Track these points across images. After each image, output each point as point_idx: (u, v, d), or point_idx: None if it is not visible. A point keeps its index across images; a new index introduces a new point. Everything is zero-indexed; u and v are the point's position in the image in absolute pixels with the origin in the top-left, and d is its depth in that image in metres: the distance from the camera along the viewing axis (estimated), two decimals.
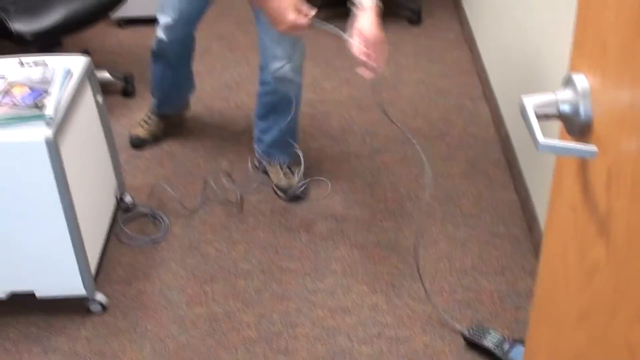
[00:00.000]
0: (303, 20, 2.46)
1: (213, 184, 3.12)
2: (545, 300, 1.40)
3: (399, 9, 4.43)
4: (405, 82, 3.76)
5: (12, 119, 2.27)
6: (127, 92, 3.79)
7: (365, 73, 2.41)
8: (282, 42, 2.80)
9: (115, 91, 3.73)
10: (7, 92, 2.37)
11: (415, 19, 4.35)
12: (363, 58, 2.40)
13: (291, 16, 2.44)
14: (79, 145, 2.49)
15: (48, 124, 2.26)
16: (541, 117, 1.20)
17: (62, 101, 2.36)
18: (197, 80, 3.83)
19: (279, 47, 2.82)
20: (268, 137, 3.10)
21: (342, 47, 4.00)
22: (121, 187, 2.93)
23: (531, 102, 1.24)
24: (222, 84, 3.86)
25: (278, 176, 3.11)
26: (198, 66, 3.98)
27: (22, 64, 2.56)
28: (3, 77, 2.46)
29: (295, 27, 2.47)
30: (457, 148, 3.26)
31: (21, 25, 3.23)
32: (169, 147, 3.38)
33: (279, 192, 3.08)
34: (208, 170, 3.21)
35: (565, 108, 1.18)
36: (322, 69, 3.92)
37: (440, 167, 3.14)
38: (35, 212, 2.35)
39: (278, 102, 2.99)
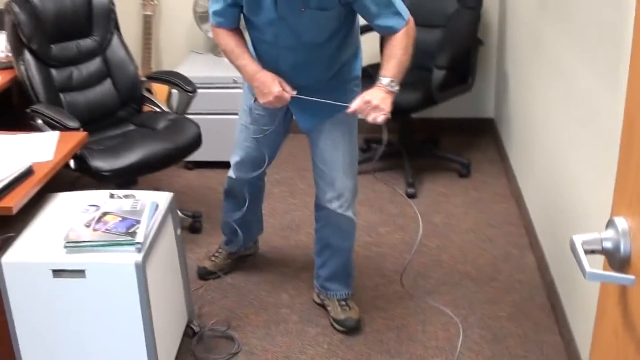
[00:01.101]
0: (286, 95, 2.84)
1: (274, 316, 3.34)
2: None
3: (449, 163, 4.71)
4: (455, 231, 3.99)
5: (106, 243, 2.54)
6: (195, 228, 4.07)
7: (373, 118, 2.78)
8: (334, 181, 3.11)
9: (184, 227, 4.00)
10: (100, 220, 2.64)
11: (464, 173, 4.62)
12: (362, 110, 2.78)
13: (276, 89, 2.84)
14: (160, 271, 2.74)
15: (138, 250, 2.52)
16: (588, 252, 1.43)
17: (149, 231, 2.63)
18: None
19: (331, 186, 3.12)
20: (324, 272, 3.34)
21: (396, 195, 4.28)
22: (190, 313, 3.16)
23: (580, 239, 1.48)
24: (284, 225, 4.13)
25: (335, 310, 3.31)
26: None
27: (112, 196, 2.85)
28: (97, 207, 2.74)
29: (279, 99, 2.86)
30: (504, 292, 3.46)
31: (100, 163, 3.54)
32: (233, 279, 3.62)
33: (336, 325, 3.28)
34: (270, 303, 3.43)
35: (608, 245, 1.41)
36: (377, 215, 4.18)
37: (488, 310, 3.33)
38: (118, 327, 2.58)
39: (332, 238, 3.25)
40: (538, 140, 3.65)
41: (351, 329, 3.25)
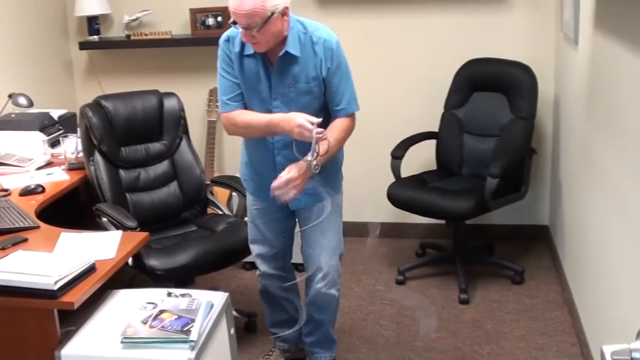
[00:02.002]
0: (309, 125, 2.99)
1: None
2: None
3: (503, 269, 4.74)
4: (507, 337, 4.01)
5: (161, 340, 2.64)
6: (250, 328, 4.16)
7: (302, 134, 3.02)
8: (320, 263, 3.39)
9: (239, 327, 4.08)
10: (157, 317, 2.75)
11: (518, 280, 4.64)
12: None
13: (299, 119, 3.01)
14: None
15: (191, 348, 2.61)
16: None
17: (203, 329, 2.72)
18: None
19: (318, 268, 3.40)
20: (310, 339, 3.65)
21: (450, 300, 4.30)
22: None
23: (609, 350, 1.54)
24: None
25: None
26: None
27: (170, 294, 2.96)
28: (155, 304, 2.85)
29: (301, 127, 3.00)
30: None
31: (155, 262, 3.66)
32: None
33: None
34: None
35: (637, 356, 1.47)
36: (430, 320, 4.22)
37: None
38: None
39: (316, 313, 3.54)
40: (591, 250, 3.68)
41: None
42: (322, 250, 3.39)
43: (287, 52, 3.09)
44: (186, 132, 4.31)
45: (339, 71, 3.19)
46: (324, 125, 3.13)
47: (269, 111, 3.18)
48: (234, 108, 3.23)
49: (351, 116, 3.29)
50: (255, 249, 3.57)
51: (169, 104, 4.26)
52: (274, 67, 3.14)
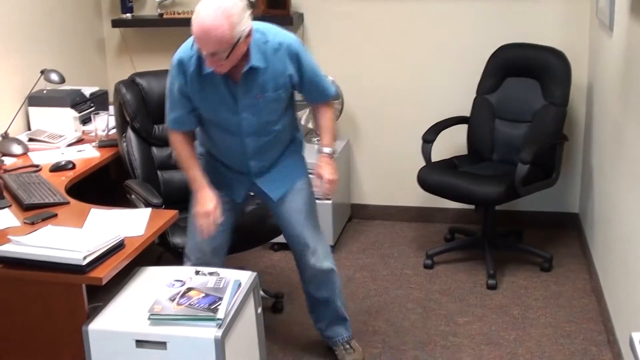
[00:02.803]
0: (212, 217, 3.26)
1: None
2: None
3: (532, 256, 4.72)
4: (534, 324, 3.99)
5: (188, 318, 2.65)
6: (276, 309, 4.17)
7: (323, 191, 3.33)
8: (306, 241, 3.46)
9: (266, 307, 4.09)
10: (184, 294, 2.76)
11: (546, 267, 4.61)
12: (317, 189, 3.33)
13: (208, 207, 3.25)
14: (239, 348, 2.83)
15: (218, 326, 2.62)
16: None
17: (230, 308, 2.73)
18: None
19: (304, 246, 3.47)
20: (322, 325, 3.67)
21: (478, 285, 4.31)
22: None
23: (638, 336, 1.52)
24: (362, 310, 4.19)
25: (341, 354, 3.64)
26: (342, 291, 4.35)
27: (198, 272, 2.97)
28: (183, 282, 2.86)
29: (206, 215, 3.25)
30: None
31: (179, 240, 3.67)
32: None
33: None
34: None
35: None
36: (457, 305, 4.21)
37: None
38: None
39: (317, 292, 3.56)
40: (621, 238, 3.65)
41: None
42: (303, 229, 3.44)
43: (252, 67, 3.09)
44: None
45: (308, 67, 3.24)
46: (282, 122, 3.34)
47: (240, 122, 3.23)
48: (180, 129, 3.30)
49: (331, 101, 3.45)
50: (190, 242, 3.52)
51: None
52: (239, 82, 3.13)
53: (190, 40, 3.09)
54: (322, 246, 3.50)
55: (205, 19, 2.87)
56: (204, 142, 3.47)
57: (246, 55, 3.06)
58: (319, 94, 3.37)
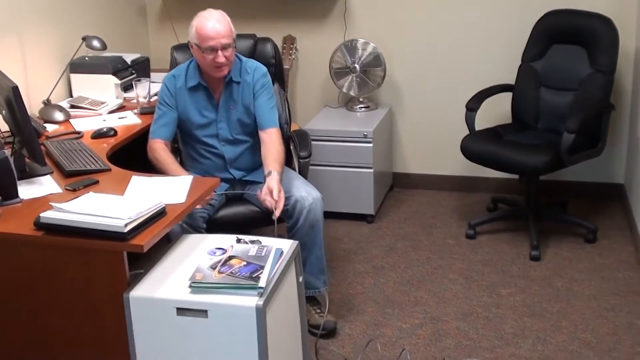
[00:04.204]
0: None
1: None
2: None
3: (576, 227, 4.65)
4: (577, 296, 3.94)
5: (229, 286, 2.63)
6: None
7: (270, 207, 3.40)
8: (293, 194, 3.57)
9: None
10: (226, 263, 2.74)
11: (591, 238, 4.54)
12: (266, 202, 3.41)
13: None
14: (280, 317, 2.81)
15: (259, 294, 2.60)
16: None
17: (272, 276, 2.71)
18: (382, 275, 4.16)
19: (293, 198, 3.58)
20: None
21: (521, 256, 4.27)
22: None
23: None
24: (404, 280, 4.16)
25: (311, 315, 3.69)
26: (383, 262, 4.32)
27: (239, 241, 2.95)
28: (224, 250, 2.85)
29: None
30: None
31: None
32: (352, 330, 3.69)
33: (312, 329, 3.58)
34: (386, 357, 3.47)
35: None
36: (500, 276, 4.16)
37: None
38: None
39: (306, 236, 3.57)
40: None
41: (323, 335, 3.63)
42: (291, 187, 3.60)
43: (230, 79, 3.68)
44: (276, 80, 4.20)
45: (266, 92, 3.72)
46: (254, 136, 3.75)
47: (217, 131, 3.73)
48: (157, 136, 3.71)
49: (277, 129, 3.72)
50: None
51: (263, 48, 4.17)
52: (222, 93, 3.70)
53: (183, 65, 3.76)
54: (309, 194, 3.59)
55: (212, 15, 3.58)
56: (185, 165, 3.83)
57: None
58: (266, 119, 3.70)
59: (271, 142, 3.64)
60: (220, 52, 3.52)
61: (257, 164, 3.76)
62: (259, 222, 3.74)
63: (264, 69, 3.77)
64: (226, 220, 3.70)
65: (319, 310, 3.74)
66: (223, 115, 3.71)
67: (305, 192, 3.58)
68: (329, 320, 3.69)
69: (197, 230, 3.47)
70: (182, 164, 3.82)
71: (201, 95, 3.70)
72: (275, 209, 3.35)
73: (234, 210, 3.75)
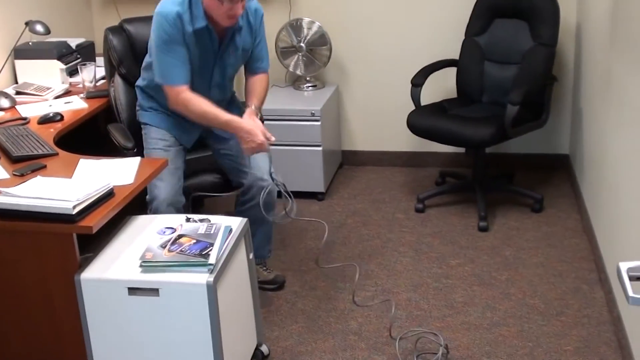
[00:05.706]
0: (266, 144, 3.43)
1: (342, 342, 3.42)
2: None
3: (522, 198, 4.73)
4: (526, 265, 4.02)
5: (179, 264, 2.66)
6: None
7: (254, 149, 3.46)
8: (256, 172, 3.62)
9: None
10: (175, 241, 2.77)
11: (537, 208, 4.63)
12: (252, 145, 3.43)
13: (260, 138, 3.40)
14: (231, 293, 2.84)
15: (210, 271, 2.63)
16: (633, 278, 1.49)
17: (222, 253, 2.74)
18: (333, 250, 4.19)
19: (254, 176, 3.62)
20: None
21: (469, 228, 4.33)
22: (260, 336, 3.25)
23: (625, 266, 1.54)
24: (355, 254, 4.21)
25: (260, 273, 3.81)
26: (333, 237, 4.37)
27: (188, 219, 2.97)
28: (173, 229, 2.87)
29: (261, 146, 3.42)
30: (571, 327, 3.46)
31: None
32: (304, 305, 3.72)
33: (264, 285, 3.81)
34: (338, 330, 3.52)
35: None
36: (449, 247, 4.23)
37: (554, 344, 3.35)
38: (188, 345, 2.68)
39: (256, 214, 3.56)
40: (610, 177, 3.66)
41: (270, 288, 3.86)
42: (255, 164, 3.63)
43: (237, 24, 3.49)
44: None
45: (263, 35, 3.68)
46: (232, 80, 3.77)
47: (212, 74, 3.59)
48: (182, 82, 3.45)
49: (267, 73, 3.75)
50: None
51: None
52: (225, 38, 3.51)
53: (179, 2, 3.38)
54: (266, 164, 3.64)
55: None
56: (157, 97, 3.66)
57: None
58: (261, 62, 3.70)
59: (262, 85, 3.70)
60: (240, 4, 3.34)
61: (226, 107, 3.62)
62: (223, 189, 3.85)
63: (262, 9, 3.66)
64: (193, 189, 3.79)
65: (265, 267, 3.90)
66: (221, 60, 3.58)
67: (266, 174, 3.60)
68: (278, 274, 3.93)
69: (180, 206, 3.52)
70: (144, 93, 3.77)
71: (205, 39, 3.48)
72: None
73: (200, 179, 3.86)
